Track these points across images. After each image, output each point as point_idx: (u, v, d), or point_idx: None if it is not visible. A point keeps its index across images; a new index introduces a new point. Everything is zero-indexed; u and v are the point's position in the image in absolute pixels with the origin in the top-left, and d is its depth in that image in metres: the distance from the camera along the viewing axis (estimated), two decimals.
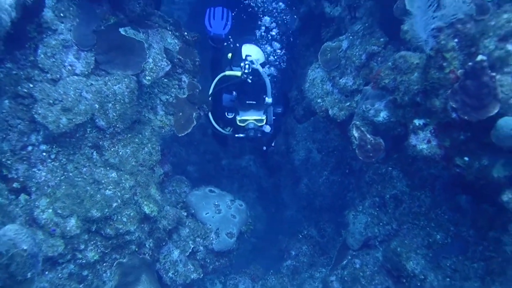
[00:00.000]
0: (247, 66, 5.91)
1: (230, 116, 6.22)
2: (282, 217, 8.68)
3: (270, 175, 9.04)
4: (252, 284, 6.96)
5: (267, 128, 6.20)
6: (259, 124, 6.13)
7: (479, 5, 3.89)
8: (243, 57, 6.09)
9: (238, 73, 6.02)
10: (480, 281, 4.57)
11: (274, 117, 6.40)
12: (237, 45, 6.47)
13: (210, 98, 6.30)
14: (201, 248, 5.99)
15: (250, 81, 5.89)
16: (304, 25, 7.51)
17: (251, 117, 6.09)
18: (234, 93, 6.17)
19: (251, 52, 6.23)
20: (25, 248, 3.61)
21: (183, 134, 6.01)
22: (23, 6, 4.72)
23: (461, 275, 4.80)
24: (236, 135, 6.27)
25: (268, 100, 5.98)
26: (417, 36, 3.99)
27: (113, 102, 5.16)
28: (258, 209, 8.48)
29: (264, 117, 6.13)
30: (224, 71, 6.19)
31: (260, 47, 6.45)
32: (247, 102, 6.06)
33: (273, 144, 7.06)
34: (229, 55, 6.37)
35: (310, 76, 6.10)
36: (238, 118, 6.12)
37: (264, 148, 6.92)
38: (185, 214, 6.02)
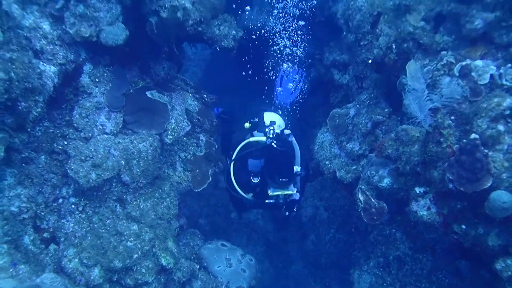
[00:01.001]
0: (271, 131, 5.84)
1: (255, 180, 5.93)
2: (288, 271, 8.89)
3: (277, 230, 9.30)
4: None
5: (297, 196, 5.88)
6: (290, 198, 5.80)
7: (473, 88, 4.35)
8: (267, 123, 6.09)
9: (263, 138, 5.99)
10: None
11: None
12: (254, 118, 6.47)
13: (233, 164, 6.06)
14: None
15: (275, 145, 5.76)
16: (313, 87, 7.97)
17: (283, 192, 5.72)
18: (261, 160, 5.93)
19: (274, 118, 6.25)
20: None
21: (199, 190, 6.41)
22: (64, 73, 5.29)
23: None
24: (266, 201, 5.90)
25: (297, 168, 5.77)
26: (414, 114, 4.42)
27: (137, 159, 5.60)
28: (265, 262, 8.69)
29: (295, 190, 5.79)
30: (245, 139, 6.16)
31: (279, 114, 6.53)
32: (280, 180, 5.68)
33: (295, 209, 6.57)
34: (246, 124, 6.38)
35: (319, 139, 6.52)
36: (270, 193, 5.76)
37: (287, 213, 6.54)
38: (198, 266, 6.32)
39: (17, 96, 4.43)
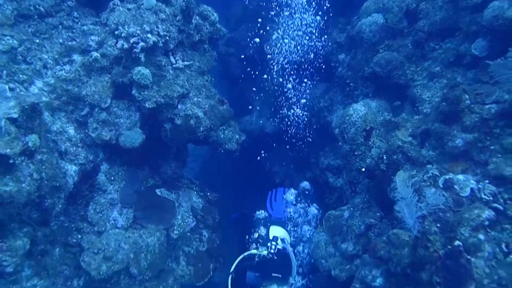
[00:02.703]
0: (273, 246, 6.10)
1: None
2: None
3: None
4: None
5: None
6: None
7: (456, 199, 4.89)
8: (270, 238, 6.41)
9: (264, 252, 6.21)
10: None
11: None
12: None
13: (232, 275, 6.16)
14: None
15: (275, 258, 6.03)
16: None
17: None
18: (257, 274, 6.07)
19: (278, 233, 6.62)
20: None
21: (200, 283, 6.68)
22: (84, 172, 5.78)
23: None
24: None
25: (292, 281, 6.01)
26: (405, 221, 4.91)
27: (145, 253, 5.96)
28: None
29: None
30: (249, 250, 6.36)
31: (286, 229, 6.85)
32: (273, 274, 5.99)
33: None
34: (256, 234, 6.63)
35: (315, 239, 6.92)
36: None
37: None
38: None
39: (45, 194, 4.88)
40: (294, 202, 7.03)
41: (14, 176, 4.41)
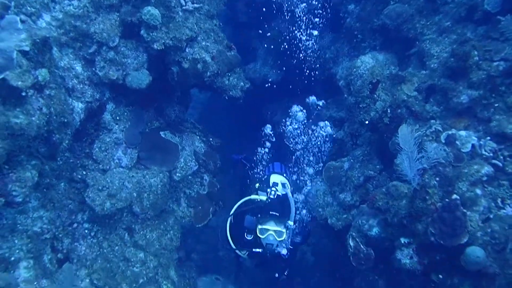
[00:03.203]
0: (273, 192, 6.08)
1: (249, 237, 6.11)
2: None
3: (263, 271, 9.65)
4: None
5: (284, 251, 6.00)
6: (278, 239, 5.97)
7: (456, 154, 5.00)
8: (271, 185, 6.43)
9: (263, 198, 6.26)
10: None
11: (291, 247, 6.20)
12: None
13: (230, 218, 6.28)
14: None
15: (275, 202, 5.99)
16: None
17: (272, 227, 5.94)
18: (258, 216, 6.06)
19: (279, 180, 6.63)
20: None
21: (200, 225, 6.88)
22: (90, 110, 5.82)
23: None
24: (253, 249, 6.05)
25: (290, 223, 5.96)
26: (405, 173, 5.02)
27: (148, 193, 6.09)
28: None
29: (284, 230, 5.96)
30: (249, 196, 6.39)
31: (287, 178, 6.82)
32: (270, 212, 5.93)
33: (285, 273, 6.67)
34: (257, 185, 6.69)
35: (313, 188, 7.07)
36: (259, 226, 6.00)
37: (276, 275, 6.61)
38: None
39: (54, 129, 4.94)
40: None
41: (25, 109, 4.47)
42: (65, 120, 5.08)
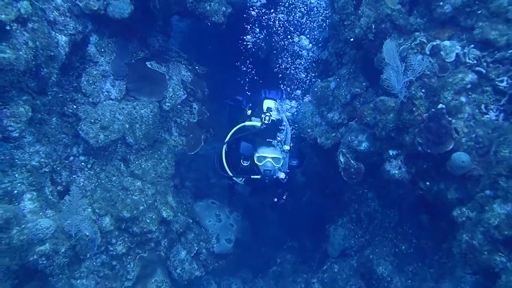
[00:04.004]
0: (267, 117, 6.19)
1: (245, 164, 6.19)
2: (266, 232, 9.62)
3: (255, 194, 9.96)
4: (243, 285, 7.91)
5: (282, 175, 6.10)
6: (276, 165, 6.06)
7: (441, 65, 5.11)
8: (264, 110, 6.46)
9: (258, 123, 6.36)
10: (434, 282, 5.64)
11: (288, 170, 6.34)
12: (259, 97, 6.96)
13: (225, 146, 6.34)
14: (204, 250, 6.99)
15: (270, 128, 6.07)
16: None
17: (269, 155, 6.02)
18: (253, 142, 6.15)
19: (272, 105, 6.67)
20: (87, 234, 4.58)
21: (192, 153, 7.03)
22: (74, 43, 5.75)
23: (420, 277, 5.90)
24: (252, 176, 6.16)
25: (286, 148, 6.02)
26: (393, 86, 5.13)
27: (140, 123, 6.17)
28: (245, 223, 9.40)
29: (281, 156, 6.06)
30: (242, 123, 6.50)
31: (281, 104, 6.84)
32: (267, 139, 6.01)
33: (284, 197, 6.85)
34: (249, 112, 6.73)
35: (301, 109, 7.19)
36: (256, 154, 6.08)
37: (275, 200, 6.81)
38: (191, 221, 6.99)
39: (41, 63, 4.91)
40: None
41: (11, 44, 4.44)
42: (52, 54, 5.05)
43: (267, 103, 6.71)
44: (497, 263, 4.12)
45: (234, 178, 6.52)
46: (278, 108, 6.57)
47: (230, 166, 6.36)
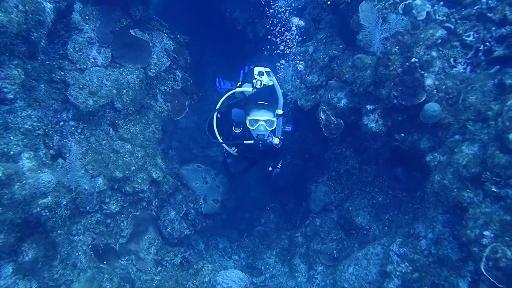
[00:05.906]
0: (258, 82, 6.16)
1: (237, 131, 6.14)
2: (248, 197, 9.95)
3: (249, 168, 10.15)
4: (230, 244, 8.24)
5: (276, 140, 6.03)
6: (269, 128, 6.02)
7: (413, 23, 5.45)
8: (256, 75, 6.43)
9: (249, 89, 6.34)
10: (408, 226, 6.04)
11: (283, 137, 6.28)
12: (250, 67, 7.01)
13: (216, 113, 6.25)
14: (192, 211, 7.29)
15: (261, 92, 6.03)
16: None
17: (262, 117, 5.96)
18: (245, 108, 6.10)
19: (263, 70, 6.65)
20: (86, 188, 4.81)
21: (178, 118, 7.26)
22: (58, 10, 5.86)
23: (396, 224, 6.28)
24: (244, 141, 6.06)
25: (279, 111, 6.01)
26: (371, 43, 5.45)
27: (127, 89, 6.35)
28: (231, 185, 9.63)
29: (275, 119, 6.02)
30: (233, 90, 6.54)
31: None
32: (259, 102, 5.94)
33: (279, 166, 6.85)
34: (238, 84, 6.82)
35: (282, 74, 7.46)
36: (248, 118, 6.01)
37: (270, 168, 6.82)
38: (179, 183, 7.26)
39: (31, 27, 5.05)
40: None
41: (2, 7, 4.56)
42: (40, 18, 5.17)
43: (258, 69, 6.74)
44: (465, 198, 4.53)
45: (226, 148, 6.52)
46: (269, 72, 6.61)
47: (222, 134, 6.33)
